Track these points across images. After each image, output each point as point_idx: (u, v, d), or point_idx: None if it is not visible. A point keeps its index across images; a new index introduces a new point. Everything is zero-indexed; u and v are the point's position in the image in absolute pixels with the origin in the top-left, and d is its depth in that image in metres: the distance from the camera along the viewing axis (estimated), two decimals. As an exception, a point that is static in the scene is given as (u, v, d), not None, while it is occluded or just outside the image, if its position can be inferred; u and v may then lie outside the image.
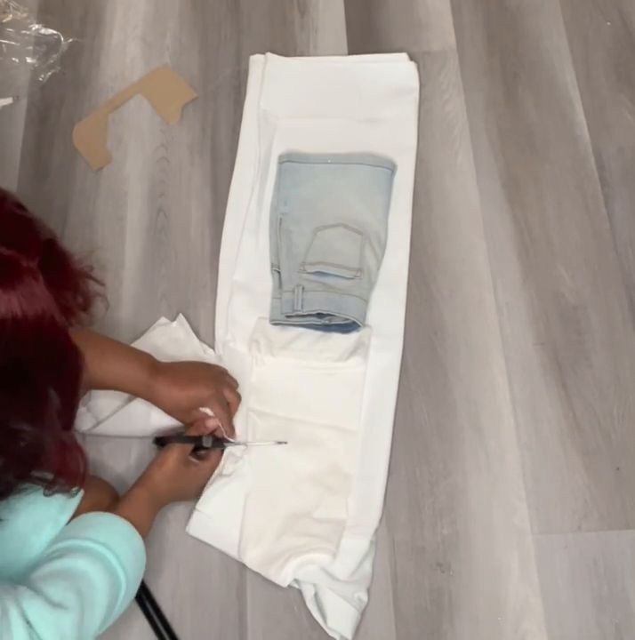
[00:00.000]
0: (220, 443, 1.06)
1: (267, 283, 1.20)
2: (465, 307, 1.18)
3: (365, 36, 1.39)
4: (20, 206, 0.65)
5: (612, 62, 1.34)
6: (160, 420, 1.06)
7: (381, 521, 1.04)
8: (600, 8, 1.38)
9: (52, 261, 0.63)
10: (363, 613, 1.00)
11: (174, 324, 1.17)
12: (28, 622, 0.73)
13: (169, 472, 0.99)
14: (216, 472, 1.06)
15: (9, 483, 0.75)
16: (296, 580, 1.01)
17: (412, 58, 1.35)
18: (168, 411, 1.04)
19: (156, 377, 1.01)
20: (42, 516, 0.86)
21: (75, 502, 0.90)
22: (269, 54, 1.36)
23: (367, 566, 1.02)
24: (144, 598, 1.01)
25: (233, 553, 1.03)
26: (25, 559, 0.86)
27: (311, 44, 1.39)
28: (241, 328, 1.16)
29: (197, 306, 1.20)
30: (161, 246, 1.25)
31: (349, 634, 0.98)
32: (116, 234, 1.26)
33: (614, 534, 1.03)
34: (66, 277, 0.66)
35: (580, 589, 1.01)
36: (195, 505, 1.05)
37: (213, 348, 1.16)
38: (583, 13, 1.38)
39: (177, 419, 1.06)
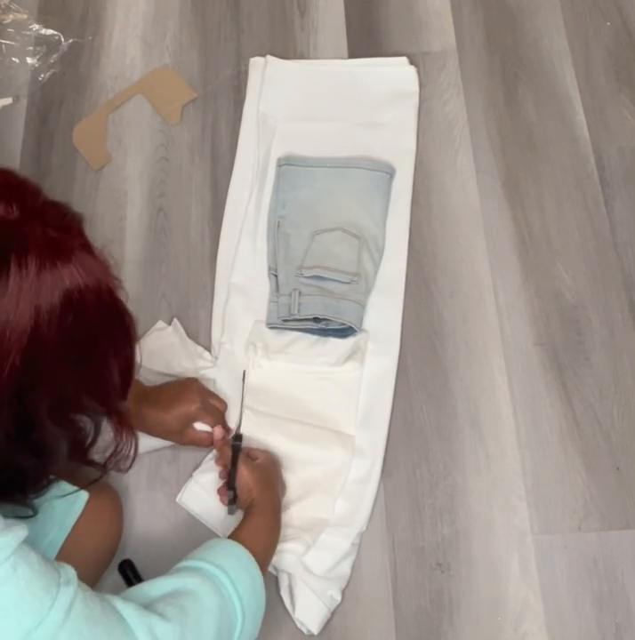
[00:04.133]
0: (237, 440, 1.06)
1: (264, 286, 1.19)
2: (465, 307, 1.18)
3: (365, 36, 1.39)
4: (45, 196, 0.68)
5: (612, 62, 1.34)
6: (147, 443, 1.04)
7: (369, 522, 1.04)
8: (600, 8, 1.38)
9: (87, 244, 0.66)
10: (363, 613, 1.00)
11: (169, 328, 1.17)
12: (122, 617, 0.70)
13: (258, 482, 0.98)
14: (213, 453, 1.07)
15: (66, 465, 0.76)
16: (274, 568, 1.01)
17: (412, 58, 1.35)
18: (161, 436, 1.03)
19: (141, 404, 0.99)
20: (47, 519, 0.86)
21: (79, 507, 0.90)
22: (269, 57, 1.36)
23: (346, 567, 1.02)
24: (132, 577, 1.01)
25: (218, 530, 1.04)
26: None
27: (311, 44, 1.39)
28: (238, 331, 1.16)
29: (197, 306, 1.20)
30: (161, 246, 1.25)
31: (315, 628, 0.98)
32: (116, 234, 1.26)
33: (614, 534, 1.03)
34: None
35: (580, 589, 1.01)
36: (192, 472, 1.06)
37: (210, 350, 1.16)
38: (583, 13, 1.38)
39: (173, 442, 1.05)
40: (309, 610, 0.98)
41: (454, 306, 1.18)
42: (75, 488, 0.84)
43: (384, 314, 1.16)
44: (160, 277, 1.23)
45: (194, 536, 1.05)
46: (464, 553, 1.03)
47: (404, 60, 1.35)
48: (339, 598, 1.00)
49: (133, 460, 0.79)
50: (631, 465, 1.07)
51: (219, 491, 1.03)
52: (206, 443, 1.05)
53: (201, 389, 1.07)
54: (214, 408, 1.06)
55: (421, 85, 1.33)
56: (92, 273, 0.63)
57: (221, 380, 1.13)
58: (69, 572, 0.67)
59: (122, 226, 1.27)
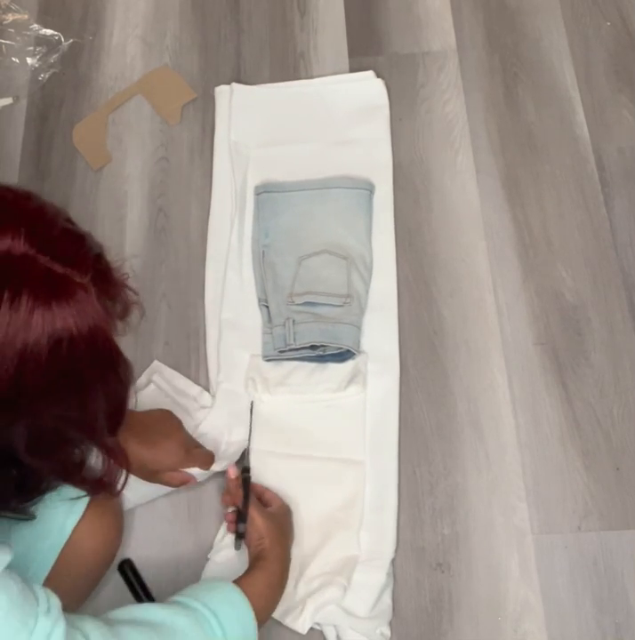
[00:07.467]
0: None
1: (256, 318, 1.16)
2: (465, 307, 1.18)
3: (365, 36, 1.39)
4: (70, 221, 0.66)
5: (612, 62, 1.34)
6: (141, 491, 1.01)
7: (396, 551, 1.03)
8: (600, 8, 1.38)
9: (101, 274, 0.64)
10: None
11: (164, 385, 1.12)
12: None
13: (271, 533, 0.95)
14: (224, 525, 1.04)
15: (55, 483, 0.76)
16: (318, 623, 0.98)
17: (412, 58, 1.35)
18: (132, 470, 0.98)
19: (123, 432, 0.97)
20: (48, 521, 0.86)
21: (80, 508, 0.89)
22: (234, 84, 1.34)
23: (387, 599, 0.99)
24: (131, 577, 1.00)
25: None
26: (31, 564, 0.86)
27: (311, 44, 1.39)
28: (234, 367, 1.13)
29: (197, 306, 1.20)
30: (161, 246, 1.25)
31: None
32: (116, 234, 1.26)
33: (614, 534, 1.03)
34: (112, 288, 0.66)
35: (580, 589, 1.01)
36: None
37: (209, 389, 1.13)
38: (583, 13, 1.38)
39: (140, 478, 0.99)
40: None
41: (454, 306, 1.18)
42: (76, 492, 0.83)
43: (380, 332, 1.14)
44: (160, 277, 1.23)
45: (194, 536, 1.05)
46: (464, 553, 1.03)
47: (370, 73, 1.33)
48: (388, 633, 0.97)
49: (123, 486, 0.78)
50: (631, 465, 1.07)
51: (227, 516, 1.00)
52: (177, 484, 1.02)
53: (189, 438, 1.03)
54: (201, 457, 1.03)
55: (421, 85, 1.33)
56: (88, 318, 0.61)
57: (220, 420, 1.09)
58: (52, 600, 0.66)
59: (122, 226, 1.27)
